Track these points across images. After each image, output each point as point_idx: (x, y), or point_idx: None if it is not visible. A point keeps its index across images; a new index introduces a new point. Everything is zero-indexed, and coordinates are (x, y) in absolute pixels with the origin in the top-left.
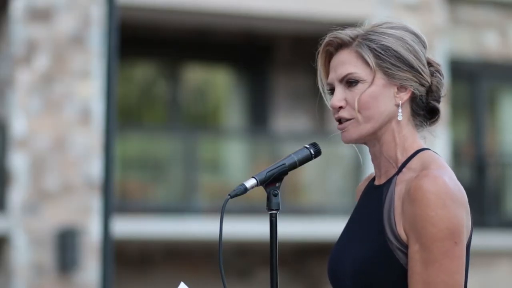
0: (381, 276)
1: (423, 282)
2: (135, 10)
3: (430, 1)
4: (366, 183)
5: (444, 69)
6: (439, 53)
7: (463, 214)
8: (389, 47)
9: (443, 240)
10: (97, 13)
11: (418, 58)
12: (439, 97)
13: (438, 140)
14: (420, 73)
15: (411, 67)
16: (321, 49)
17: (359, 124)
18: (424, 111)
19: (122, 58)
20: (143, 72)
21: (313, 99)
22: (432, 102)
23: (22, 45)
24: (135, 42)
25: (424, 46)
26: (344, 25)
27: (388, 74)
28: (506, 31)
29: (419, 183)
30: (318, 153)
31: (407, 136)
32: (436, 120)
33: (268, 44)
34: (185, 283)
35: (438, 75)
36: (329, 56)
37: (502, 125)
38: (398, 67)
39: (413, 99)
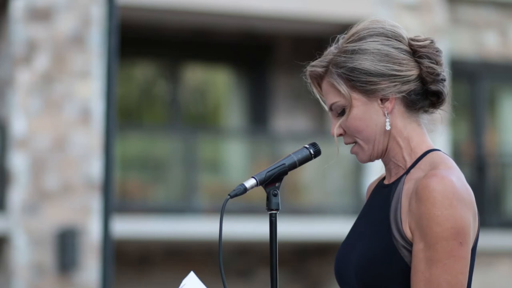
0: (385, 273)
1: (426, 281)
2: (135, 10)
3: (430, 1)
4: (377, 182)
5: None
6: None
7: (470, 215)
8: (355, 67)
9: (447, 239)
10: (97, 13)
11: (390, 61)
12: (436, 78)
13: (438, 140)
14: (396, 75)
15: (383, 76)
16: (309, 81)
17: (362, 147)
18: (426, 99)
19: (122, 58)
20: (143, 72)
21: (313, 99)
22: (430, 87)
23: (22, 45)
24: (135, 42)
25: (399, 39)
26: (344, 25)
27: (364, 92)
28: (506, 31)
29: (427, 182)
30: (318, 153)
31: (411, 136)
32: (442, 101)
33: (268, 44)
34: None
35: (426, 58)
36: (319, 84)
37: (502, 125)
38: (370, 82)
39: (402, 99)
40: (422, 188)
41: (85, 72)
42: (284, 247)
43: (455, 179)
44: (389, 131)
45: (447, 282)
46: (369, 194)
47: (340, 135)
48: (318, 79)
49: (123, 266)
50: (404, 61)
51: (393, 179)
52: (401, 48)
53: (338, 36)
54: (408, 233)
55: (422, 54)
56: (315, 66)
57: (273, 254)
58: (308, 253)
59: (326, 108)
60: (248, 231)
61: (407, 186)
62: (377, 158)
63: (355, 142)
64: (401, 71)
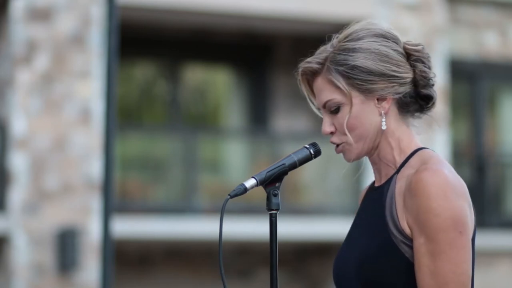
0: (387, 269)
1: (431, 273)
2: (135, 10)
3: (430, 1)
4: (368, 187)
5: (444, 69)
6: (439, 53)
7: (466, 205)
8: (356, 65)
9: (447, 230)
10: (97, 13)
11: (389, 61)
12: (428, 82)
13: (438, 140)
14: (395, 76)
15: (383, 76)
16: (299, 78)
17: (351, 145)
18: (416, 103)
19: (122, 58)
20: (143, 72)
21: None
22: (422, 90)
23: (22, 45)
24: (135, 42)
25: (396, 42)
26: (344, 25)
27: (362, 91)
28: (506, 31)
29: (420, 177)
30: (318, 153)
31: (402, 137)
32: (432, 106)
33: (268, 44)
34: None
35: (420, 62)
36: (310, 82)
37: (502, 125)
38: (370, 80)
39: (397, 100)
40: (415, 182)
41: (85, 72)
42: (284, 247)
43: (447, 172)
44: (383, 131)
45: (452, 272)
46: (361, 200)
47: (331, 133)
48: (311, 76)
49: (123, 266)
50: (401, 63)
51: (383, 180)
52: (398, 51)
53: (333, 35)
54: (406, 229)
55: (416, 58)
56: (310, 62)
57: (273, 254)
58: (308, 253)
59: (314, 106)
60: (248, 231)
61: (399, 184)
62: (364, 156)
63: (342, 143)
64: (400, 72)
